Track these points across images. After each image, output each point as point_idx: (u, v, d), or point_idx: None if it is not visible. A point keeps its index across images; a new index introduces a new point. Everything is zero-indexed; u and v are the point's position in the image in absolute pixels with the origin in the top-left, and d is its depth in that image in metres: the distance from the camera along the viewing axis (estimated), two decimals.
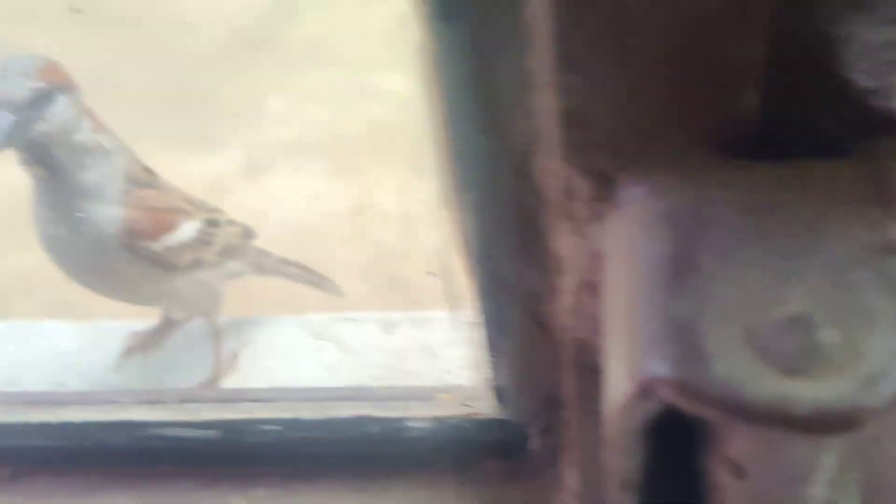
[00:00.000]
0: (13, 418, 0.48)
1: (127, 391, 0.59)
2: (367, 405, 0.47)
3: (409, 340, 0.82)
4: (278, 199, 2.24)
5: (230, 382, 0.77)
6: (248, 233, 0.81)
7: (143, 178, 0.72)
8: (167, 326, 0.82)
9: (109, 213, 0.69)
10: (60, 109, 0.65)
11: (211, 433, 0.48)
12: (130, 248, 0.70)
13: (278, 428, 0.47)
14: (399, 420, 0.47)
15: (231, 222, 0.78)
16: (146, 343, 0.81)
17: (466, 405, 0.46)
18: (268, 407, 0.48)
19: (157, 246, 0.71)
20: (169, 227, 0.70)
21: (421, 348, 0.82)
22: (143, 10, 2.74)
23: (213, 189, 2.27)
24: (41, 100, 0.64)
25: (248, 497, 0.47)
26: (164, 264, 0.73)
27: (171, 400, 0.48)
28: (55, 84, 0.65)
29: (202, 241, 0.72)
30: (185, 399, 0.48)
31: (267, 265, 0.84)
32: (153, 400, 0.48)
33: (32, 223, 0.69)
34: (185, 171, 2.37)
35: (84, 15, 2.73)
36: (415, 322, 0.85)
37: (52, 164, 0.66)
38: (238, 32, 2.70)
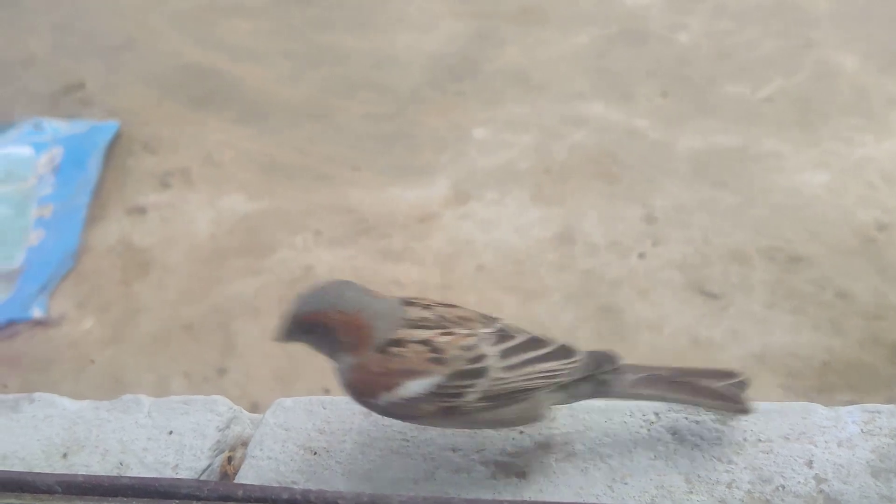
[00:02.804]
0: None
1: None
2: None
3: (744, 433, 0.75)
4: (486, 227, 2.24)
5: None
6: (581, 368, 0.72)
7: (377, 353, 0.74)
8: None
9: (345, 376, 0.74)
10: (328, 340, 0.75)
11: None
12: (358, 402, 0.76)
13: None
14: None
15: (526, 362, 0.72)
16: None
17: None
18: None
19: (379, 401, 0.74)
20: (387, 387, 0.73)
21: (756, 442, 0.74)
22: (350, 46, 2.87)
23: (422, 217, 2.32)
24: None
25: None
26: (400, 416, 0.76)
27: None
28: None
29: (444, 394, 0.72)
30: None
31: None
32: None
33: None
34: (394, 200, 2.45)
35: (298, 52, 2.91)
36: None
37: None
38: (441, 64, 2.76)
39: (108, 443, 0.86)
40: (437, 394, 0.74)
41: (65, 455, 0.85)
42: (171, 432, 0.86)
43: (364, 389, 0.77)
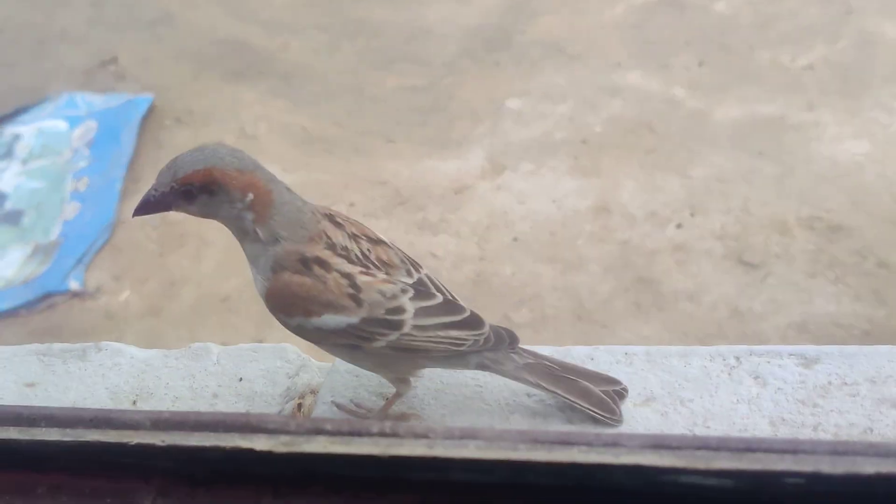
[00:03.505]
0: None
1: (633, 435, 0.57)
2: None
3: (829, 376, 0.73)
4: (522, 198, 2.22)
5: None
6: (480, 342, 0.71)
7: (299, 266, 0.72)
8: None
9: (261, 284, 0.72)
10: (215, 202, 0.69)
11: (726, 482, 0.44)
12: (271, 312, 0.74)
13: (801, 481, 0.43)
14: None
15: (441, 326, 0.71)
16: None
17: None
18: (784, 459, 0.43)
19: (292, 322, 0.73)
20: (306, 313, 0.72)
21: (841, 385, 0.73)
22: (385, 19, 2.85)
23: (458, 189, 2.30)
24: (182, 194, 0.68)
25: None
26: (304, 337, 0.75)
27: (683, 446, 0.45)
28: (200, 185, 0.68)
29: (355, 334, 0.71)
30: (698, 446, 0.45)
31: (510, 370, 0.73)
32: (658, 445, 0.45)
33: None
34: (430, 172, 2.43)
35: (333, 25, 2.89)
36: (833, 356, 0.75)
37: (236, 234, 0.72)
38: (476, 35, 2.74)
39: (177, 390, 0.85)
40: (349, 332, 0.73)
41: (134, 402, 0.85)
42: (240, 379, 0.86)
43: (282, 307, 0.75)
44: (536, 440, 0.46)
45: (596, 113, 2.39)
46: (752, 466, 0.44)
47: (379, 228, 0.85)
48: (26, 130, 2.58)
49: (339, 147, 2.43)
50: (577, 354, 0.83)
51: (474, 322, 0.77)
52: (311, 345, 0.78)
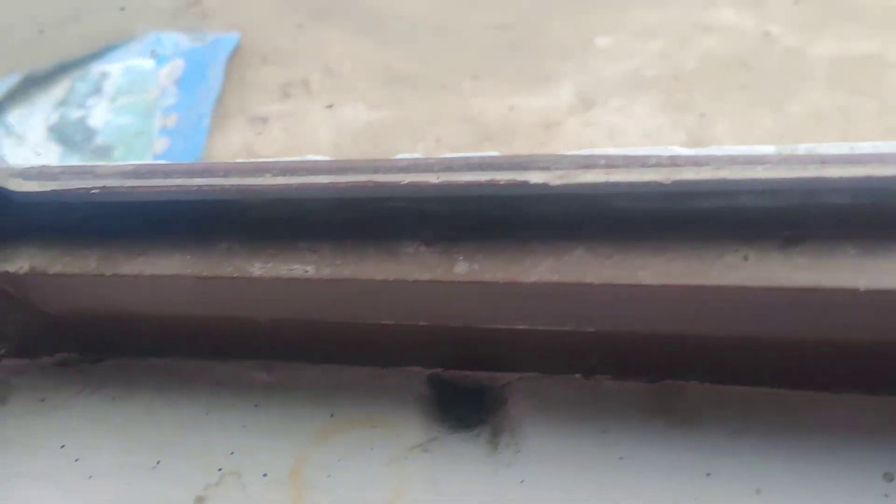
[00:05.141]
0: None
1: None
2: None
3: None
4: (612, 134, 2.20)
5: None
6: None
7: None
8: None
9: None
10: None
11: None
12: None
13: None
14: None
15: None
16: None
17: None
18: None
19: None
20: None
21: None
22: None
23: (546, 125, 2.29)
24: None
25: None
26: None
27: None
28: None
29: None
30: None
31: None
32: None
33: None
34: (517, 108, 2.42)
35: None
36: None
37: None
38: None
39: None
40: None
41: None
42: None
43: None
44: (825, 161, 0.45)
45: (689, 50, 2.35)
46: None
47: None
48: (114, 68, 2.62)
49: (425, 84, 2.42)
50: None
51: None
52: None
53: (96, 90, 2.55)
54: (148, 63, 2.61)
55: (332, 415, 0.62)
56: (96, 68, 2.63)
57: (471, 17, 2.58)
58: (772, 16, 2.40)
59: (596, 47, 2.40)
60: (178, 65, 2.59)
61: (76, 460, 0.64)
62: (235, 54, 2.59)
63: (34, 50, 2.72)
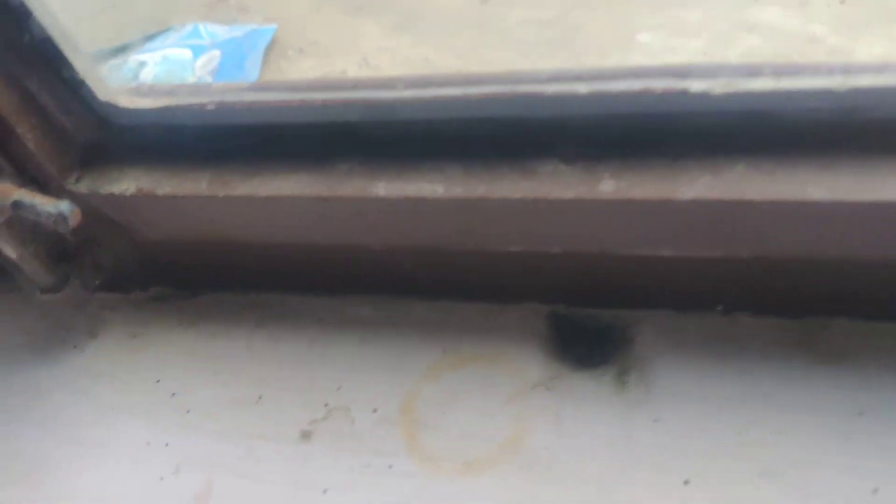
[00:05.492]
0: None
1: None
2: None
3: None
4: None
5: None
6: None
7: None
8: None
9: None
10: None
11: None
12: None
13: None
14: None
15: None
16: None
17: None
18: None
19: None
20: None
21: None
22: None
23: None
24: None
25: None
26: None
27: None
28: None
29: None
30: None
31: None
32: None
33: None
34: None
35: None
36: None
37: None
38: None
39: None
40: None
41: None
42: None
43: None
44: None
45: (731, 48, 2.33)
46: None
47: None
48: (151, 58, 2.61)
49: None
50: None
51: None
52: None
53: (134, 78, 2.54)
54: (185, 53, 2.60)
55: (444, 351, 0.59)
56: (134, 57, 2.62)
57: (510, 12, 2.57)
58: (816, 15, 2.38)
59: (636, 44, 2.38)
60: (214, 55, 2.58)
61: (172, 395, 0.61)
62: (272, 46, 2.58)
63: None
